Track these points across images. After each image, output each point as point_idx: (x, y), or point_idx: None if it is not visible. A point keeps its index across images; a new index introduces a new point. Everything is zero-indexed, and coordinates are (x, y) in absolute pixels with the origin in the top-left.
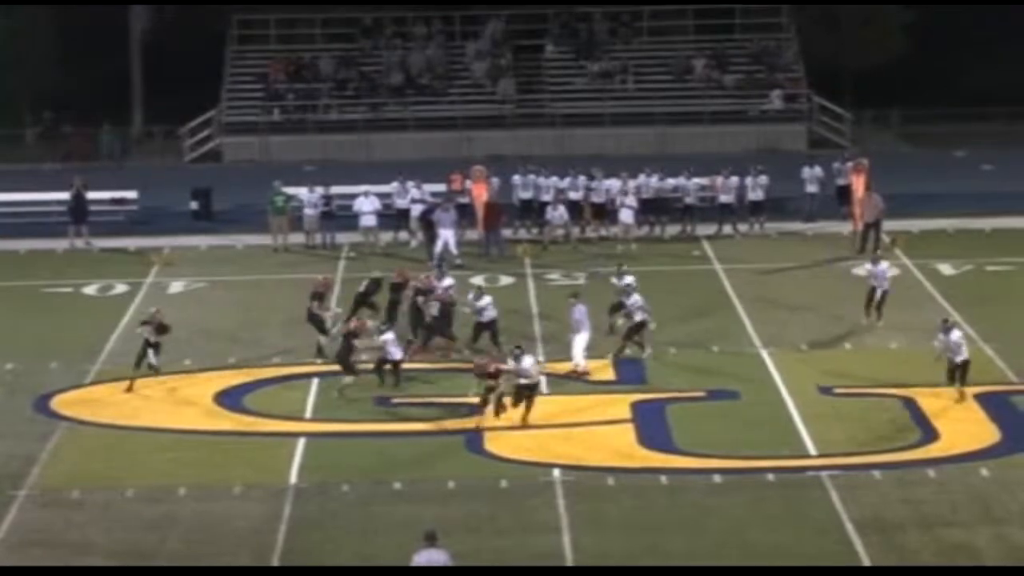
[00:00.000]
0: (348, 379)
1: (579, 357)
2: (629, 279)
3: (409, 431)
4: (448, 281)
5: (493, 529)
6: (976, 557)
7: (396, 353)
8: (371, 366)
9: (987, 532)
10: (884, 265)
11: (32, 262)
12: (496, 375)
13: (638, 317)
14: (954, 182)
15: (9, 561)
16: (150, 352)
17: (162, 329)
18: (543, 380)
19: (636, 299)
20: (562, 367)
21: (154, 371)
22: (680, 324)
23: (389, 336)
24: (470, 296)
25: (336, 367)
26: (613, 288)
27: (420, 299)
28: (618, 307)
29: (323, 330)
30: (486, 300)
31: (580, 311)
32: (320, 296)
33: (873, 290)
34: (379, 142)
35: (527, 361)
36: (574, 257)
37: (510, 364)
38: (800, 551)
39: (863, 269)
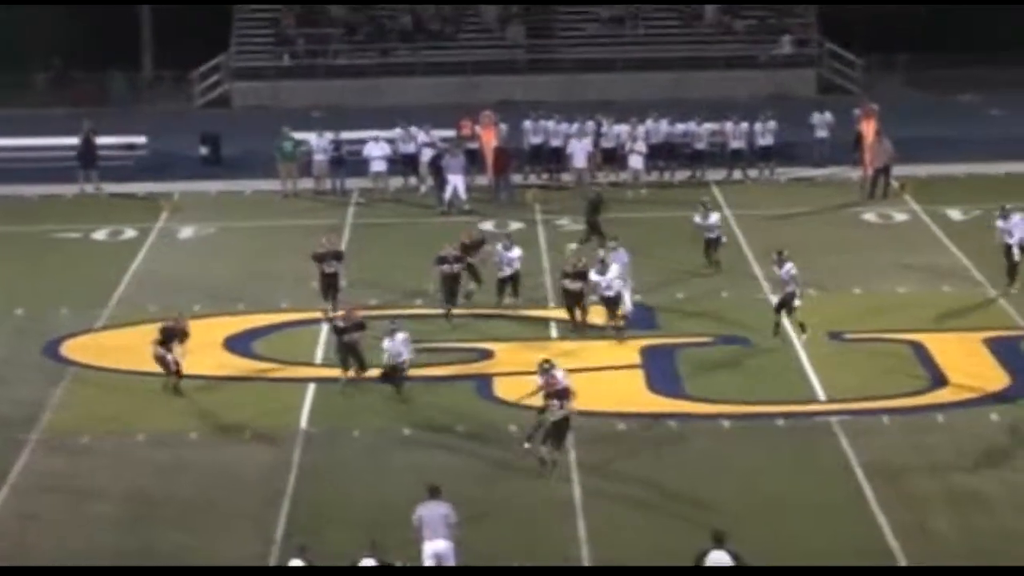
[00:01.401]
0: (351, 372)
1: (628, 303)
2: (714, 217)
3: (418, 376)
4: (517, 251)
5: (502, 475)
6: (985, 503)
7: (405, 353)
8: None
9: (996, 477)
10: (1018, 217)
11: (42, 207)
12: (566, 395)
13: (788, 288)
14: (963, 127)
15: (20, 506)
16: (170, 357)
17: (185, 336)
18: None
19: (788, 267)
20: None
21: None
22: (689, 270)
23: (401, 335)
24: (499, 246)
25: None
26: (698, 228)
27: (446, 267)
28: (712, 245)
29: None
30: (516, 252)
31: (620, 256)
32: (321, 258)
33: (1009, 248)
34: (389, 87)
35: (559, 373)
36: (585, 202)
37: (539, 379)
38: (809, 496)
39: (997, 224)
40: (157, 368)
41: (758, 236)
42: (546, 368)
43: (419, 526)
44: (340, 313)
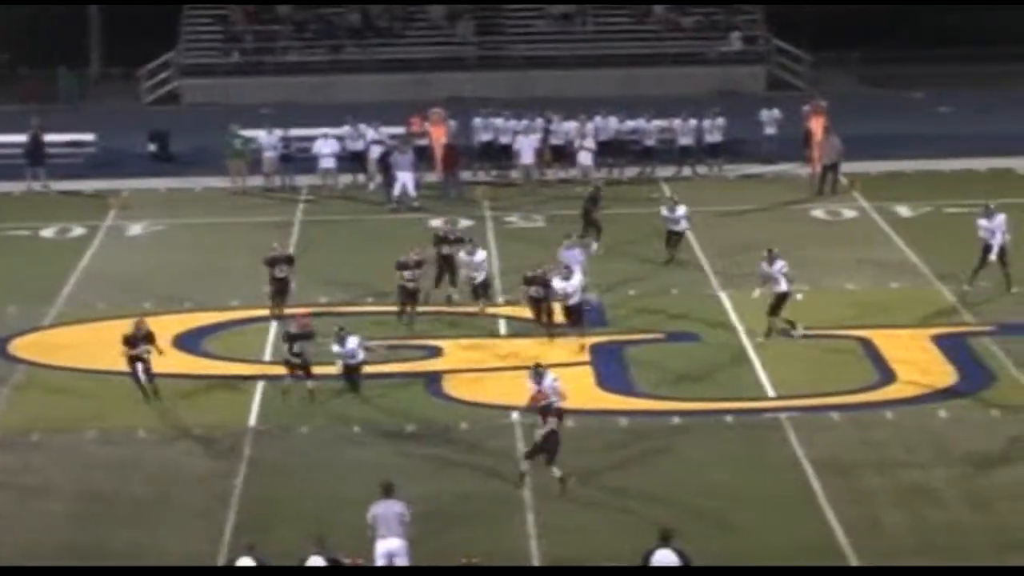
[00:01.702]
0: (311, 383)
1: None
2: (681, 210)
3: (369, 374)
4: (481, 255)
5: (453, 472)
6: (934, 497)
7: (361, 354)
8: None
9: (944, 473)
10: (1001, 217)
11: None
12: (551, 411)
13: (782, 286)
14: (913, 124)
15: None
16: (139, 367)
17: (149, 338)
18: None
19: (780, 264)
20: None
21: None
22: (639, 266)
23: (353, 339)
24: (462, 253)
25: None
26: (665, 220)
27: (407, 272)
28: (674, 237)
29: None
30: (480, 255)
31: (575, 255)
32: (272, 262)
33: (987, 248)
34: (339, 84)
35: (548, 379)
36: (534, 199)
37: (530, 385)
38: (759, 492)
39: (978, 223)
40: (107, 366)
41: (707, 233)
42: (539, 372)
43: (373, 524)
44: (300, 311)
